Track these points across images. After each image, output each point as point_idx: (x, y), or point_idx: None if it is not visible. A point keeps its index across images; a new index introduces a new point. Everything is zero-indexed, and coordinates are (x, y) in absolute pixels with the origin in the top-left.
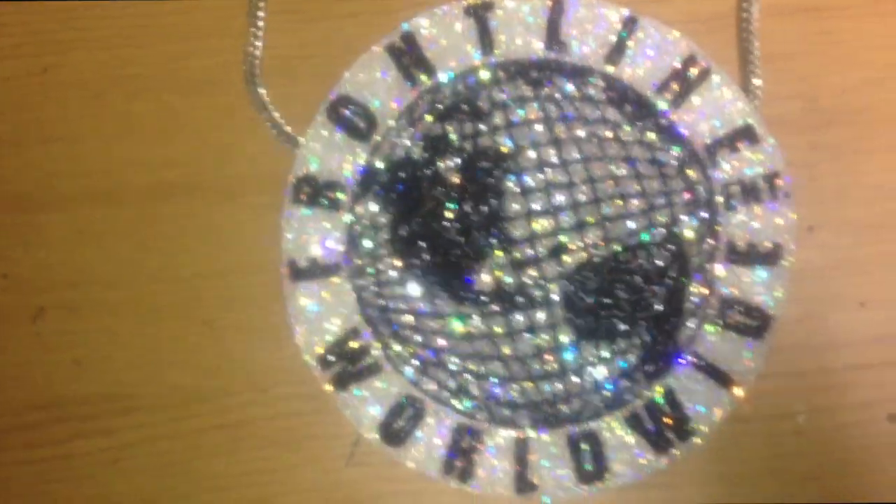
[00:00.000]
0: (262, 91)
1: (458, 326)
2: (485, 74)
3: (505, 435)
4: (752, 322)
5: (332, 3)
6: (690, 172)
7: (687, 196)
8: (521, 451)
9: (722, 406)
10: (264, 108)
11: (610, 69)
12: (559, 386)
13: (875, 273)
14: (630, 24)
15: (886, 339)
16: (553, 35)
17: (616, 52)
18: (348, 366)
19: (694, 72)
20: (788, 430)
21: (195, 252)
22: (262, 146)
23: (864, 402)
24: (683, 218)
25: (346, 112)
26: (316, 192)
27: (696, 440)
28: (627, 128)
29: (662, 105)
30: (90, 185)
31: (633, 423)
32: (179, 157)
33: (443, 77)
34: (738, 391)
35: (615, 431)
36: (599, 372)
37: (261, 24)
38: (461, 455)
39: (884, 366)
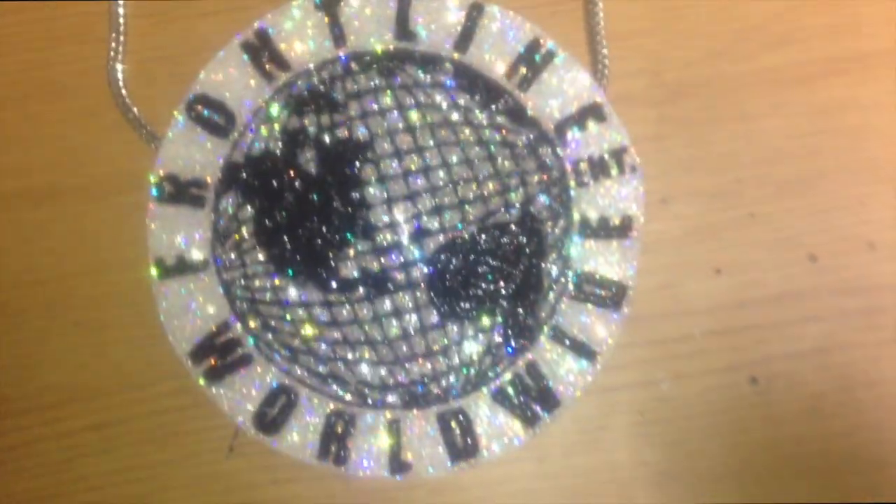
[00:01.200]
0: (124, 93)
1: (325, 313)
2: (338, 67)
3: (377, 417)
4: (607, 294)
5: (189, 4)
6: (542, 152)
7: (540, 175)
8: (393, 432)
9: (584, 376)
10: (127, 109)
11: (458, 56)
12: (427, 366)
13: (728, 240)
14: (475, 10)
15: (743, 304)
16: (402, 25)
17: (464, 40)
18: (220, 359)
19: (539, 54)
20: (653, 398)
21: (63, 254)
22: (125, 147)
23: (726, 367)
24: (538, 197)
25: (205, 110)
26: (179, 189)
27: (562, 411)
28: (479, 112)
29: (511, 88)
30: None
31: (501, 398)
32: (44, 162)
33: (298, 71)
34: (600, 361)
35: (483, 407)
36: (465, 350)
37: (121, 28)
38: (335, 440)
39: (743, 329)
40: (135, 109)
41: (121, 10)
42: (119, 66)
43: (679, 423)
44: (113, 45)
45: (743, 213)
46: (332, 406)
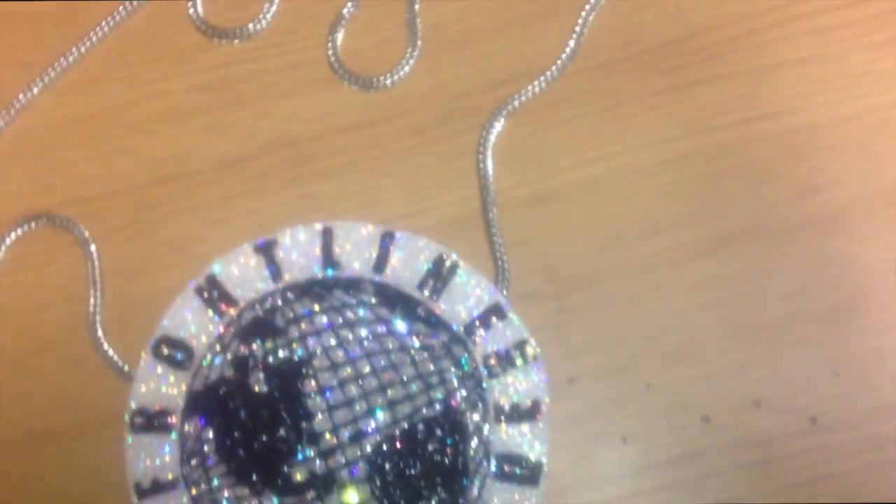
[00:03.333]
0: (103, 341)
1: None
2: (277, 298)
3: None
4: (525, 472)
5: (153, 259)
6: (456, 351)
7: (456, 372)
8: None
9: None
10: (105, 355)
11: (377, 277)
12: None
13: (630, 410)
14: (387, 237)
15: (649, 468)
16: (328, 256)
17: (380, 263)
18: None
19: (445, 267)
20: None
21: (59, 487)
22: (107, 387)
23: None
24: (457, 391)
25: (167, 349)
26: (148, 420)
27: None
28: (400, 322)
29: (424, 299)
30: None
31: None
32: (41, 409)
33: (244, 305)
34: None
35: None
36: None
37: (98, 287)
38: None
39: (652, 491)
40: (113, 355)
41: (97, 273)
42: (98, 320)
43: None
44: (92, 301)
45: (640, 384)
46: None
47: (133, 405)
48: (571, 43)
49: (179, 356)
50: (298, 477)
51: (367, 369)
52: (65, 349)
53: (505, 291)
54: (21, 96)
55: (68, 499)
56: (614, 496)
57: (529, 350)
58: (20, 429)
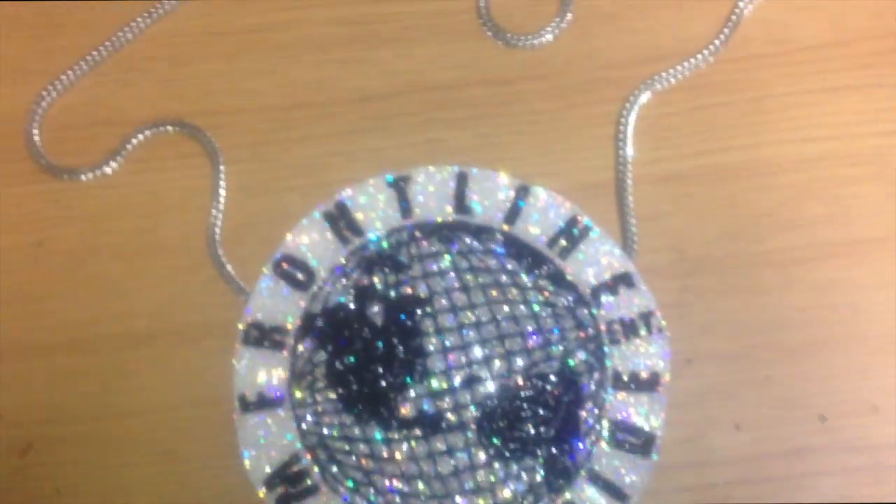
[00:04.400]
0: (220, 252)
1: (384, 450)
2: (404, 234)
3: None
4: (638, 441)
5: (279, 179)
6: (579, 312)
7: (577, 333)
8: None
9: None
10: (222, 266)
11: (507, 228)
12: (477, 501)
13: (746, 398)
14: (523, 190)
15: (760, 458)
16: (460, 201)
17: (512, 214)
18: (290, 488)
19: (577, 229)
20: None
21: (157, 391)
22: (217, 299)
23: None
24: (575, 351)
25: (289, 267)
26: (263, 334)
27: None
28: (524, 276)
29: (552, 257)
30: (68, 336)
31: None
32: (146, 310)
33: (370, 237)
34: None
35: None
36: (509, 488)
37: (221, 199)
38: None
39: (760, 481)
40: (228, 267)
41: (221, 184)
42: (217, 231)
43: None
44: (213, 212)
45: (758, 374)
46: None
47: (248, 318)
48: (726, 31)
49: (300, 276)
50: (405, 413)
51: (487, 317)
52: (179, 256)
53: (633, 264)
54: (166, 1)
55: (164, 403)
56: (721, 481)
57: (655, 322)
58: (122, 327)
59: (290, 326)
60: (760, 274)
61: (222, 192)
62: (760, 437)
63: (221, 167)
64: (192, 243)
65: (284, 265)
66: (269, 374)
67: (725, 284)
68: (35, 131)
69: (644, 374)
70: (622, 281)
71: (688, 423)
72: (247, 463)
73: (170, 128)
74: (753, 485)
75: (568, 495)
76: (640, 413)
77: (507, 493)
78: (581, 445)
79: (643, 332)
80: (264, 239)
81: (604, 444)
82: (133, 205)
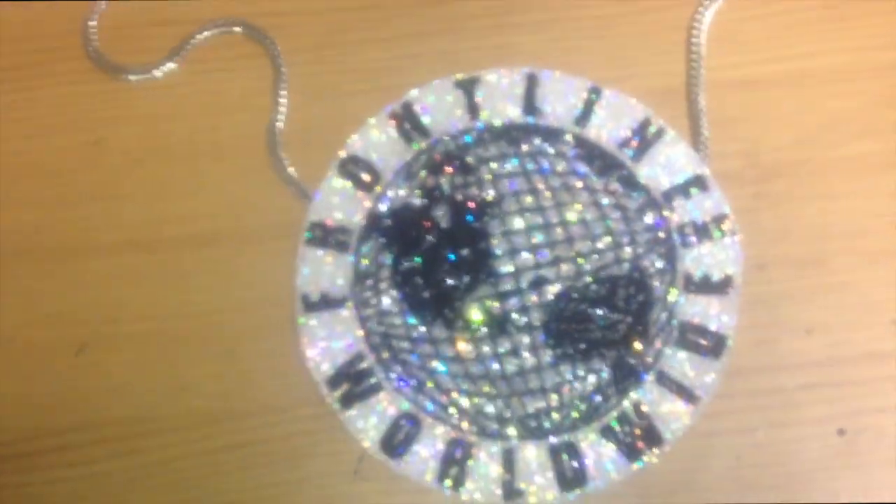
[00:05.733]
0: (282, 155)
1: (449, 350)
2: (472, 135)
3: (493, 447)
4: (708, 343)
5: (343, 83)
6: (651, 215)
7: (649, 235)
8: (508, 461)
9: (686, 418)
10: (283, 168)
11: (578, 130)
12: (542, 402)
13: (817, 303)
14: (594, 92)
15: (831, 362)
16: (529, 103)
17: (583, 116)
18: (354, 386)
19: (650, 131)
20: (749, 444)
21: (219, 291)
22: (279, 201)
23: (816, 419)
24: (646, 254)
25: (354, 167)
26: (326, 234)
27: (664, 449)
28: (595, 178)
29: (624, 159)
30: (128, 236)
31: (608, 433)
32: (208, 212)
33: (437, 137)
34: (701, 405)
35: (592, 442)
36: (576, 388)
37: (283, 101)
38: (454, 466)
39: (831, 385)
40: (290, 169)
41: (283, 86)
42: (278, 133)
43: (773, 468)
44: (274, 115)
45: (832, 280)
46: (452, 434)
47: (313, 217)
48: None
49: (365, 176)
50: (472, 314)
51: (556, 219)
52: (239, 157)
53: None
54: None
55: (226, 304)
56: (792, 385)
57: (727, 225)
58: (185, 229)
59: (354, 227)
60: (835, 180)
61: (283, 94)
62: (832, 341)
63: (283, 69)
64: (254, 145)
65: (350, 165)
66: (333, 274)
67: (799, 189)
68: (93, 29)
69: (717, 276)
70: (695, 184)
71: (758, 328)
72: (310, 362)
73: (233, 28)
74: (824, 389)
75: (636, 396)
76: (711, 315)
77: (574, 393)
78: (651, 346)
79: (716, 234)
80: (327, 143)
81: (673, 345)
82: (193, 105)
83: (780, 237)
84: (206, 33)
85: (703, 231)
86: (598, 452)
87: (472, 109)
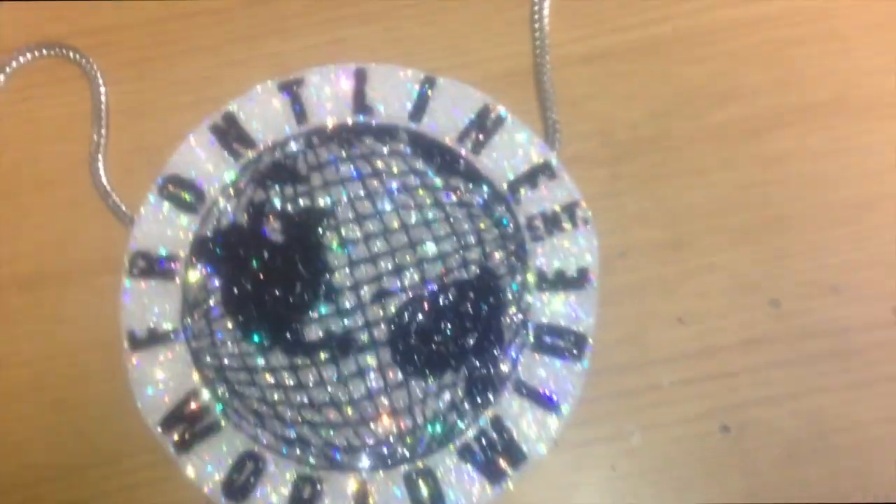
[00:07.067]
0: (105, 181)
1: (291, 377)
2: (300, 142)
3: (344, 480)
4: (568, 344)
5: (166, 97)
6: (497, 210)
7: (495, 232)
8: (361, 495)
9: (549, 429)
10: (107, 196)
11: (413, 125)
12: (393, 425)
13: (688, 289)
14: (428, 83)
15: (708, 352)
16: (359, 100)
17: (417, 110)
18: (189, 428)
19: (490, 120)
20: (624, 451)
21: (45, 335)
22: (105, 232)
23: (696, 416)
24: (495, 253)
25: (175, 189)
26: (150, 264)
27: (529, 466)
28: (434, 176)
29: (464, 152)
30: None
31: (466, 454)
32: (31, 250)
33: (263, 148)
34: (565, 413)
35: (449, 465)
36: (429, 407)
37: (104, 123)
38: None
39: (710, 378)
40: (114, 196)
41: (103, 109)
42: (100, 158)
43: (652, 475)
44: (95, 139)
45: (702, 262)
46: (299, 471)
47: (134, 247)
48: None
49: (188, 198)
50: (312, 335)
51: (395, 224)
52: (63, 188)
53: (555, 153)
54: None
55: (54, 346)
56: (667, 381)
57: (579, 213)
58: (7, 270)
59: (180, 253)
60: (697, 153)
61: (103, 115)
62: (705, 329)
63: (102, 88)
64: (78, 174)
65: (170, 187)
66: (160, 307)
67: (660, 167)
68: None
69: (572, 271)
70: (542, 172)
71: (624, 321)
72: (141, 405)
73: (48, 51)
74: (702, 383)
75: (494, 411)
76: (569, 313)
77: (426, 413)
78: (506, 354)
79: (567, 225)
80: (152, 163)
81: (530, 351)
82: (12, 137)
83: (642, 221)
84: (20, 59)
85: (553, 222)
86: (456, 477)
87: (299, 114)
